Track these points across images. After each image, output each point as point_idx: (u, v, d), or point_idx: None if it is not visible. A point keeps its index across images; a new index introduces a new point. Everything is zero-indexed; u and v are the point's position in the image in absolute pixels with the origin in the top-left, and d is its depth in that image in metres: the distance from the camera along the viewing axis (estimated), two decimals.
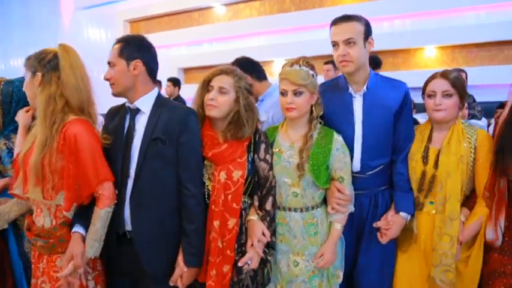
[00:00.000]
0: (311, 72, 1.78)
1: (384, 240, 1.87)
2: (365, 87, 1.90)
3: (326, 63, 4.77)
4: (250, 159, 1.79)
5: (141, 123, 1.72)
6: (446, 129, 1.87)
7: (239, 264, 1.68)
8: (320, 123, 1.85)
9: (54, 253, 1.66)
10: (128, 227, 1.69)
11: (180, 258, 1.67)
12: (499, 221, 1.68)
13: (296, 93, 1.75)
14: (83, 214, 1.66)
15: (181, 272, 1.66)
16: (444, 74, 1.86)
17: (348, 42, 1.82)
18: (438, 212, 1.82)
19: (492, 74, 4.78)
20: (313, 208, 1.81)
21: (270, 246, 1.77)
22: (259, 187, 1.79)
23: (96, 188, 1.61)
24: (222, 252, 1.70)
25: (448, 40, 5.54)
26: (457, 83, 1.83)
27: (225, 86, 1.75)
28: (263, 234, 1.71)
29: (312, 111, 1.82)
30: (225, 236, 1.71)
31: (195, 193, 1.70)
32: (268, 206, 1.76)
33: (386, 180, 1.96)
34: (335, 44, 1.86)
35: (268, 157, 1.79)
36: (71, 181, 1.60)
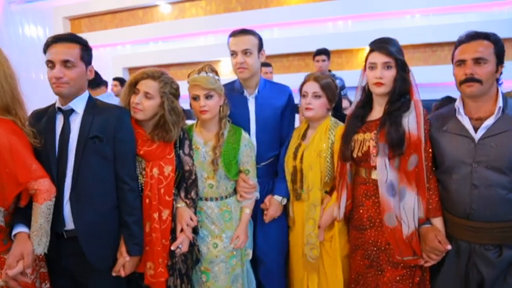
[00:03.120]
0: (216, 77, 2.00)
1: (266, 219, 2.16)
2: (256, 91, 2.21)
3: (319, 53, 4.74)
4: (176, 154, 1.94)
5: (75, 123, 1.76)
6: (317, 126, 2.11)
7: (172, 247, 1.87)
8: (228, 121, 2.09)
9: None
10: (68, 226, 1.71)
11: (123, 249, 1.76)
12: (341, 199, 1.92)
13: (207, 97, 1.96)
14: (22, 214, 1.64)
15: (124, 261, 1.76)
16: (316, 78, 2.08)
17: (245, 52, 2.11)
18: (304, 200, 2.08)
19: (426, 73, 5.08)
20: (226, 197, 2.07)
21: (195, 231, 1.98)
22: (184, 178, 1.96)
23: (27, 185, 1.60)
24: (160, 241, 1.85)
25: None
26: (327, 86, 2.05)
27: (150, 91, 1.86)
28: (191, 219, 1.92)
29: (220, 111, 2.03)
30: (160, 226, 1.86)
31: (133, 187, 1.81)
32: (193, 194, 1.97)
33: (275, 170, 2.27)
34: (233, 53, 2.14)
35: (191, 152, 2.00)
36: None
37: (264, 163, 2.21)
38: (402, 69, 1.76)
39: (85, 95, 1.81)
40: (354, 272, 1.94)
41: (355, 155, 1.85)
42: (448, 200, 1.71)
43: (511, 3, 5.51)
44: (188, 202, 1.96)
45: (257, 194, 2.13)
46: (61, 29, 7.65)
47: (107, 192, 1.76)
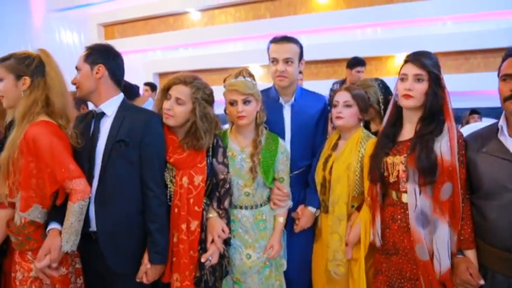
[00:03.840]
0: (254, 82, 1.95)
1: (296, 229, 2.11)
2: (293, 99, 2.19)
3: (359, 64, 4.50)
4: (208, 163, 1.89)
5: (105, 126, 1.78)
6: (348, 137, 2.05)
7: (202, 259, 1.80)
8: (266, 128, 2.04)
9: (24, 250, 1.69)
10: (93, 227, 1.74)
11: (145, 256, 1.76)
12: (376, 225, 1.80)
13: (245, 102, 1.90)
14: (57, 212, 1.70)
15: (146, 268, 1.75)
16: (348, 88, 2.05)
17: (287, 61, 2.09)
18: (330, 213, 2.01)
19: (458, 82, 4.96)
20: (261, 205, 2.02)
21: (226, 242, 1.92)
22: (217, 187, 1.91)
23: (64, 184, 1.65)
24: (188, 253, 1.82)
25: (417, 48, 5.69)
26: (358, 96, 2.02)
27: (181, 97, 1.83)
28: (223, 230, 1.86)
29: (257, 118, 1.98)
30: (188, 237, 1.82)
31: (158, 193, 1.78)
32: (226, 204, 1.91)
33: (307, 179, 2.22)
34: (274, 60, 2.11)
35: (225, 160, 1.93)
36: (28, 181, 1.65)
37: (296, 172, 2.17)
38: (436, 84, 1.65)
39: (118, 98, 1.83)
40: None
41: (388, 180, 1.74)
42: (485, 228, 1.56)
43: None
44: (220, 212, 1.90)
45: (290, 203, 2.08)
46: (95, 35, 7.94)
47: (131, 197, 1.75)
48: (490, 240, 1.55)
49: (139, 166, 1.75)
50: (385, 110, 2.08)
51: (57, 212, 1.71)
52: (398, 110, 1.79)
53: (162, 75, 7.66)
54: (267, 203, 2.05)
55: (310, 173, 2.18)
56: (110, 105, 1.81)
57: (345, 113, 2.01)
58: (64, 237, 1.64)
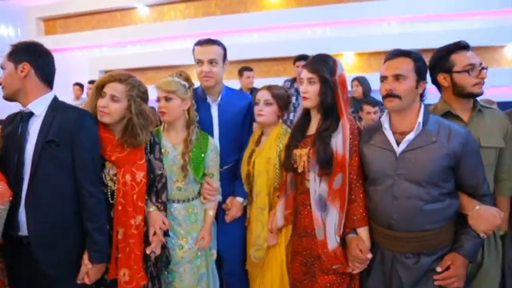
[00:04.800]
0: (183, 82, 2.06)
1: (227, 219, 2.25)
2: (219, 98, 2.31)
3: (299, 59, 4.50)
4: (147, 159, 1.96)
5: (34, 127, 1.73)
6: (269, 133, 2.21)
7: (147, 252, 1.89)
8: (198, 127, 2.16)
9: None
10: (23, 231, 1.69)
11: (85, 257, 1.74)
12: (279, 206, 2.04)
13: (167, 99, 2.02)
14: None
15: (87, 269, 1.74)
16: (268, 88, 2.21)
17: (211, 61, 2.20)
18: (254, 203, 2.18)
19: None
20: (193, 199, 2.14)
21: (166, 234, 2.02)
22: (154, 182, 1.99)
23: None
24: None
25: (365, 47, 5.95)
26: (277, 95, 2.18)
27: (116, 95, 1.85)
28: (163, 223, 1.96)
29: (188, 116, 2.10)
30: (137, 231, 1.87)
31: (93, 193, 1.76)
32: (163, 198, 2.01)
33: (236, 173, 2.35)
34: (199, 62, 2.22)
35: (161, 156, 2.03)
36: None
37: (226, 167, 2.30)
38: (326, 85, 1.83)
39: (47, 97, 1.78)
40: (292, 277, 2.00)
41: (297, 169, 1.93)
42: (373, 210, 1.77)
43: (485, 14, 5.73)
44: (159, 206, 1.99)
45: (220, 197, 2.21)
46: (34, 30, 7.47)
47: (65, 198, 1.72)
48: (376, 220, 1.77)
49: (72, 166, 1.73)
50: None
51: None
52: (307, 108, 1.97)
53: (108, 72, 7.35)
54: (198, 197, 2.17)
55: (238, 166, 2.32)
56: (39, 104, 1.75)
57: (265, 110, 2.16)
58: None
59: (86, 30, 7.41)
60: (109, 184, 1.87)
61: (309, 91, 1.86)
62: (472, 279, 1.90)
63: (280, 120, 2.26)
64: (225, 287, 2.41)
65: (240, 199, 2.25)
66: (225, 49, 2.28)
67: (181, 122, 2.10)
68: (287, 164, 1.96)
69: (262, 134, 2.27)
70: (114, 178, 1.87)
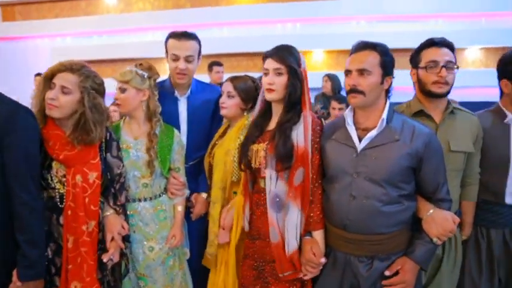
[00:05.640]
0: (141, 72, 1.93)
1: (193, 217, 2.16)
2: (189, 92, 2.24)
3: (217, 64, 4.89)
4: (103, 158, 1.80)
5: None
6: (234, 125, 2.11)
7: (104, 259, 1.73)
8: (159, 120, 2.03)
9: None
10: None
11: (14, 273, 1.55)
12: (245, 210, 1.89)
13: (122, 90, 1.92)
14: None
15: (15, 286, 1.54)
16: (231, 80, 2.12)
17: (188, 58, 2.11)
18: (209, 196, 2.10)
19: None
20: (160, 196, 2.02)
21: (126, 239, 1.87)
22: (112, 183, 1.83)
23: None
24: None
25: (334, 45, 6.03)
26: (240, 88, 2.08)
27: (67, 86, 1.67)
28: (122, 227, 1.82)
29: (147, 108, 1.98)
30: (89, 239, 1.72)
31: (26, 200, 1.54)
32: (122, 199, 1.86)
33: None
34: (175, 57, 2.11)
35: (120, 154, 1.88)
36: None
37: (192, 162, 2.22)
38: (294, 77, 1.71)
39: None
40: (240, 283, 1.89)
41: (253, 166, 1.81)
42: (329, 210, 1.67)
43: (448, 17, 5.95)
44: (118, 209, 1.83)
45: (187, 191, 2.12)
46: None
47: None
48: (332, 220, 1.67)
49: (1, 170, 1.51)
50: None
51: None
52: (268, 103, 1.84)
53: None
54: (165, 193, 2.06)
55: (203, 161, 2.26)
56: None
57: (227, 103, 2.07)
58: None
59: (48, 18, 7.08)
60: (57, 187, 1.70)
61: (276, 82, 1.72)
62: (429, 284, 1.88)
63: (246, 113, 2.14)
64: None
65: (204, 195, 2.16)
66: (200, 44, 2.19)
67: (141, 114, 1.98)
68: (242, 161, 1.84)
69: (228, 126, 2.18)
70: (64, 180, 1.69)
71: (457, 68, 1.83)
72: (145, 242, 1.97)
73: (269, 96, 1.77)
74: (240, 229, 1.92)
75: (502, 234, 1.96)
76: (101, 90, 1.78)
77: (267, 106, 1.86)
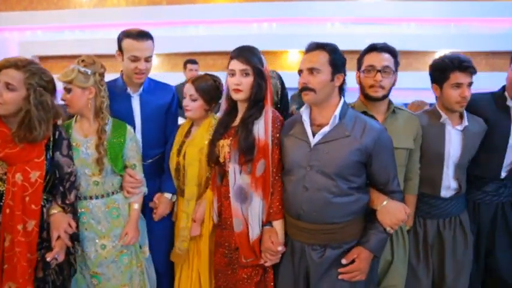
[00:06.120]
0: (84, 69, 1.88)
1: (155, 217, 2.15)
2: (141, 89, 2.22)
3: (191, 62, 4.85)
4: (48, 157, 1.77)
5: None
6: (200, 124, 2.16)
7: (47, 258, 1.70)
8: (108, 116, 2.00)
9: None
10: None
11: None
12: (213, 203, 2.00)
13: (66, 90, 1.88)
14: None
15: None
16: (193, 81, 2.13)
17: (147, 59, 2.12)
18: (181, 195, 2.12)
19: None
20: (113, 193, 1.99)
21: (74, 238, 1.84)
22: (61, 182, 1.81)
23: None
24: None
25: None
26: (201, 89, 2.10)
27: (12, 82, 1.65)
28: (69, 225, 1.78)
29: (93, 105, 1.93)
30: (26, 239, 1.68)
31: None
32: (71, 198, 1.82)
33: (163, 167, 2.26)
34: (135, 58, 2.09)
35: (70, 153, 1.85)
36: None
37: (150, 160, 2.22)
38: (259, 77, 1.81)
39: None
40: (215, 269, 2.00)
41: (221, 160, 1.90)
42: (286, 200, 1.78)
43: (420, 21, 6.12)
44: (66, 208, 1.81)
45: (145, 189, 2.09)
46: None
47: None
48: (288, 210, 1.78)
49: None
50: (281, 100, 2.20)
51: None
52: (233, 101, 1.92)
53: (43, 58, 6.88)
54: (120, 191, 2.03)
55: (165, 160, 2.23)
56: None
57: (191, 106, 2.10)
58: None
59: (16, 10, 6.85)
60: None
61: (243, 83, 1.80)
62: (384, 274, 2.00)
63: (210, 113, 2.18)
64: None
65: (168, 195, 2.15)
66: (153, 43, 2.18)
67: (90, 112, 1.93)
68: (211, 157, 1.92)
69: (192, 125, 2.21)
70: (4, 177, 1.67)
71: (394, 72, 1.93)
72: (97, 240, 1.95)
73: (236, 96, 1.84)
74: (212, 221, 2.02)
75: (436, 225, 2.12)
76: (49, 88, 1.75)
77: (233, 104, 1.93)
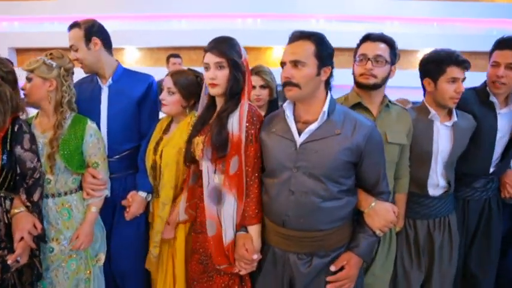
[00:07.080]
0: (49, 61, 1.84)
1: (127, 217, 2.04)
2: (110, 80, 2.11)
3: (174, 56, 4.87)
4: (5, 151, 1.68)
5: None
6: (179, 121, 2.05)
7: (9, 261, 1.62)
8: (73, 110, 1.92)
9: None
10: None
11: None
12: (181, 202, 1.92)
13: (27, 79, 1.82)
14: None
15: None
16: (172, 74, 2.03)
17: (71, 47, 2.07)
18: (157, 197, 2.02)
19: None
20: (66, 194, 1.88)
21: (40, 239, 1.75)
22: (23, 178, 1.72)
23: None
24: None
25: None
26: (179, 83, 2.00)
27: None
28: (34, 226, 1.69)
29: (56, 98, 1.86)
30: None
31: None
32: (36, 197, 1.73)
33: (134, 164, 2.14)
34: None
35: (34, 147, 1.75)
36: None
37: (117, 156, 2.10)
38: (236, 69, 1.66)
39: None
40: (190, 277, 1.87)
41: (197, 159, 1.77)
42: (268, 205, 1.62)
43: (404, 19, 6.16)
44: (30, 206, 1.71)
45: (107, 192, 1.97)
46: None
47: None
48: (270, 215, 1.62)
49: None
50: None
51: None
52: (213, 97, 1.79)
53: (20, 50, 6.68)
54: (76, 191, 1.92)
55: (139, 156, 2.12)
56: None
57: (167, 100, 2.00)
58: None
59: None
60: None
61: (218, 77, 1.65)
62: (364, 273, 1.89)
63: (188, 110, 2.07)
64: None
65: (142, 194, 2.03)
66: (86, 29, 2.05)
67: (50, 106, 1.86)
68: (187, 155, 1.80)
69: (172, 121, 2.09)
70: None
71: (388, 62, 1.84)
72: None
73: (213, 91, 1.70)
74: (189, 224, 1.92)
75: (426, 225, 2.09)
76: (8, 78, 1.71)
77: (212, 100, 1.79)
